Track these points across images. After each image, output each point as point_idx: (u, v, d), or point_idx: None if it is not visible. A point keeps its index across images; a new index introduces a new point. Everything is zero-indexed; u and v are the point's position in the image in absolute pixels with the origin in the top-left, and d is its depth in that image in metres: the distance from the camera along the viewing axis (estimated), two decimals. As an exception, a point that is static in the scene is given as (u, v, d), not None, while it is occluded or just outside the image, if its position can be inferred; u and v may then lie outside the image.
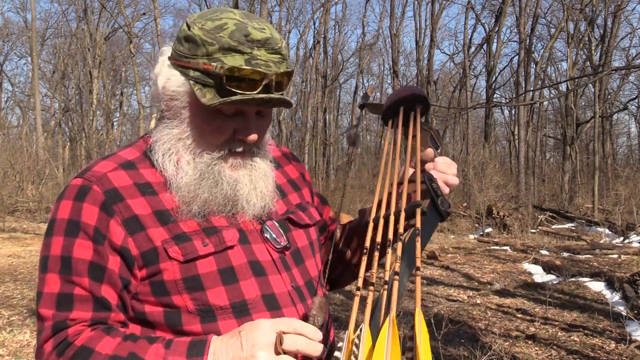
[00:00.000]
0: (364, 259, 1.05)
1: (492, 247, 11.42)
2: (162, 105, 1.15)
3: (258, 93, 1.05)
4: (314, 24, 30.38)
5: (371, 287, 0.97)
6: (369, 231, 1.11)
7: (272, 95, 1.07)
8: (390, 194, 1.19)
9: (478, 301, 7.02)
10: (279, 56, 1.09)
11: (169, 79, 1.12)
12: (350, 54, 35.64)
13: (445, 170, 1.24)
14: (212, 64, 1.06)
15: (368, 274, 1.02)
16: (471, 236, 13.54)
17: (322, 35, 29.42)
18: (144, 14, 30.47)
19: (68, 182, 1.13)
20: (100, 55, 28.75)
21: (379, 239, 1.07)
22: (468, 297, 7.23)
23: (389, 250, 1.01)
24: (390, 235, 1.04)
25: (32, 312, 6.13)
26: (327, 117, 30.94)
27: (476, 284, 8.08)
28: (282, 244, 1.18)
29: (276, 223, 1.20)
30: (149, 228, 1.07)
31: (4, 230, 13.09)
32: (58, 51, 32.76)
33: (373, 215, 1.14)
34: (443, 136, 31.74)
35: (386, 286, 0.96)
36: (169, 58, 1.14)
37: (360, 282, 1.00)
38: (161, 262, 1.05)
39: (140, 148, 1.18)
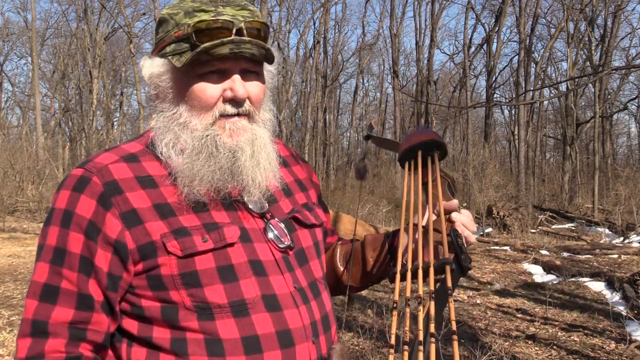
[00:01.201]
0: (394, 313, 1.00)
1: (492, 247, 11.42)
2: (152, 94, 1.15)
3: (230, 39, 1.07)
4: (314, 24, 30.42)
5: (405, 347, 0.92)
6: (397, 285, 1.07)
7: (243, 37, 1.07)
8: (415, 242, 1.18)
9: (478, 301, 7.02)
10: (247, 11, 1.11)
11: (151, 66, 1.14)
12: (350, 54, 35.70)
13: (468, 226, 1.25)
14: (181, 28, 1.09)
15: (399, 331, 0.97)
16: (471, 236, 13.50)
17: (322, 35, 29.43)
18: (144, 14, 30.50)
19: (69, 171, 1.13)
20: (100, 55, 28.76)
21: (408, 293, 1.03)
22: (468, 297, 7.23)
23: (420, 308, 0.98)
24: (420, 292, 1.01)
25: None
26: (327, 117, 30.93)
27: (476, 284, 8.08)
28: (285, 243, 1.15)
29: (280, 222, 1.17)
30: (148, 222, 1.05)
31: (4, 230, 13.09)
32: (58, 51, 32.78)
33: (399, 267, 1.10)
34: (443, 136, 31.77)
35: (421, 347, 0.92)
36: (152, 53, 1.17)
37: (392, 340, 0.94)
38: (159, 256, 1.04)
39: (143, 141, 1.17)
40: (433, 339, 0.92)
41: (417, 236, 1.18)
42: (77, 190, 1.06)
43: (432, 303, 0.98)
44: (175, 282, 1.04)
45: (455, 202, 1.27)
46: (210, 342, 1.04)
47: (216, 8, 1.09)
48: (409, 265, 1.09)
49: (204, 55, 1.06)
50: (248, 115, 1.13)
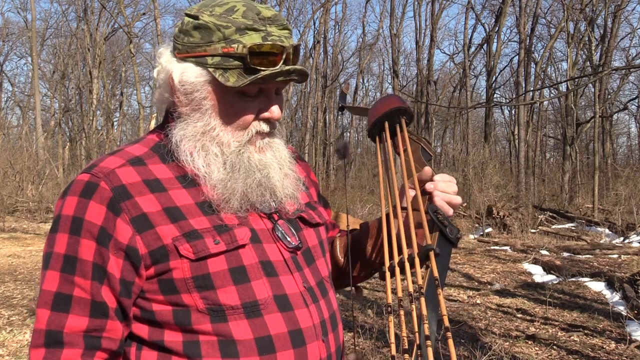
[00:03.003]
0: (391, 318, 0.98)
1: (492, 247, 11.42)
2: (180, 100, 1.12)
3: (282, 66, 1.08)
4: (314, 24, 30.44)
5: (406, 356, 0.91)
6: (388, 285, 1.06)
7: (296, 67, 1.10)
8: (395, 217, 1.17)
9: (478, 301, 7.02)
10: (288, 31, 1.12)
11: (184, 72, 1.10)
12: (350, 54, 35.72)
13: (446, 190, 1.22)
14: (232, 45, 1.06)
15: (397, 331, 0.97)
16: (471, 236, 13.52)
17: (322, 35, 29.45)
18: (144, 14, 30.51)
19: (74, 177, 1.10)
20: (100, 55, 28.76)
21: (399, 293, 1.01)
22: (468, 297, 7.23)
23: (412, 306, 0.97)
24: (410, 287, 0.99)
25: (32, 312, 6.13)
26: (327, 117, 30.95)
27: (476, 284, 8.08)
28: (293, 243, 1.15)
29: (287, 222, 1.18)
30: (159, 225, 1.05)
31: (4, 230, 13.10)
32: (58, 51, 32.79)
33: (387, 264, 1.08)
34: (443, 136, 31.73)
35: (420, 351, 0.92)
36: (178, 53, 1.12)
37: (393, 350, 0.93)
38: (171, 260, 1.04)
39: (148, 144, 1.15)
40: (429, 342, 0.91)
41: (398, 222, 1.17)
42: (85, 196, 1.04)
43: (423, 300, 0.96)
44: (188, 285, 1.04)
45: (427, 169, 1.24)
46: (223, 344, 1.04)
47: (265, 27, 1.09)
48: (396, 261, 1.08)
49: (259, 80, 1.07)
50: (274, 133, 1.18)
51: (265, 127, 1.13)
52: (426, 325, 0.93)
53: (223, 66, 1.07)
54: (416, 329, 0.94)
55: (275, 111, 1.13)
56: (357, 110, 1.46)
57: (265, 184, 1.12)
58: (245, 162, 1.11)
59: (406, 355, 0.90)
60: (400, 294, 1.00)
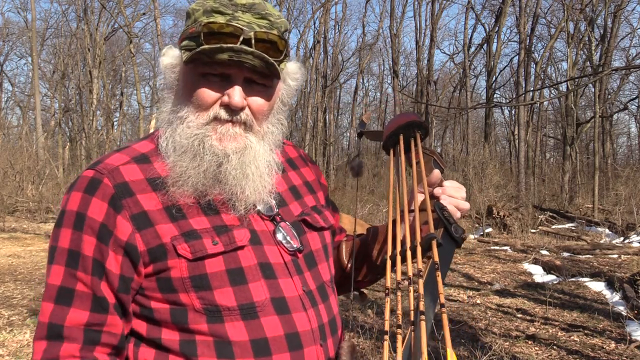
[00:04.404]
0: (387, 300, 0.99)
1: (492, 247, 11.42)
2: (162, 83, 1.15)
3: (228, 46, 1.04)
4: (314, 24, 30.44)
5: (399, 330, 0.91)
6: (388, 270, 1.06)
7: (243, 47, 1.04)
8: (402, 221, 1.17)
9: (478, 301, 7.02)
10: (267, 21, 1.09)
11: (170, 56, 1.14)
12: (350, 54, 35.73)
13: (454, 195, 1.23)
14: (194, 26, 1.09)
15: (392, 320, 0.96)
16: (471, 236, 13.52)
17: (322, 35, 29.44)
18: (144, 14, 30.52)
19: (80, 172, 1.12)
20: (100, 55, 28.76)
21: (398, 277, 1.02)
22: (468, 297, 7.23)
23: (410, 288, 0.97)
24: (410, 273, 1.00)
25: (32, 312, 6.13)
26: (327, 117, 30.95)
27: (476, 284, 8.08)
28: (294, 246, 1.15)
29: (290, 225, 1.17)
30: (158, 224, 1.05)
31: (4, 230, 13.09)
32: (58, 51, 32.79)
33: (389, 253, 1.09)
34: (443, 136, 31.75)
35: (413, 327, 0.92)
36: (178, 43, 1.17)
37: (387, 326, 0.94)
38: (169, 259, 1.04)
39: (155, 140, 1.16)
40: (423, 317, 0.91)
41: (405, 222, 1.17)
42: (89, 192, 1.06)
43: (421, 282, 0.97)
44: (185, 284, 1.04)
45: (437, 172, 1.25)
46: (219, 345, 1.04)
47: (234, 12, 1.06)
48: (398, 250, 1.09)
49: (204, 57, 1.05)
50: (245, 124, 1.11)
51: (224, 114, 1.08)
52: (422, 303, 0.93)
53: (188, 47, 1.09)
54: (412, 307, 0.94)
55: (233, 96, 1.07)
56: (374, 135, 1.47)
57: (213, 173, 1.08)
58: (196, 145, 1.08)
59: (399, 330, 0.91)
60: (399, 277, 1.01)
